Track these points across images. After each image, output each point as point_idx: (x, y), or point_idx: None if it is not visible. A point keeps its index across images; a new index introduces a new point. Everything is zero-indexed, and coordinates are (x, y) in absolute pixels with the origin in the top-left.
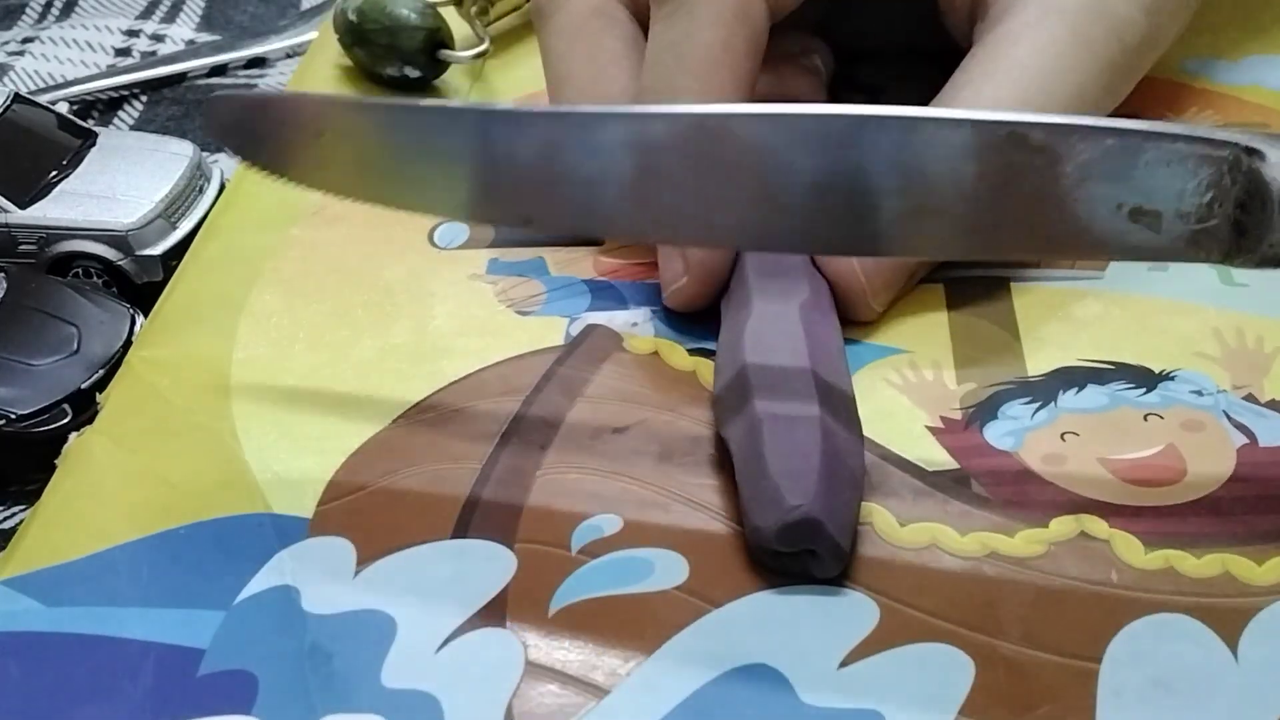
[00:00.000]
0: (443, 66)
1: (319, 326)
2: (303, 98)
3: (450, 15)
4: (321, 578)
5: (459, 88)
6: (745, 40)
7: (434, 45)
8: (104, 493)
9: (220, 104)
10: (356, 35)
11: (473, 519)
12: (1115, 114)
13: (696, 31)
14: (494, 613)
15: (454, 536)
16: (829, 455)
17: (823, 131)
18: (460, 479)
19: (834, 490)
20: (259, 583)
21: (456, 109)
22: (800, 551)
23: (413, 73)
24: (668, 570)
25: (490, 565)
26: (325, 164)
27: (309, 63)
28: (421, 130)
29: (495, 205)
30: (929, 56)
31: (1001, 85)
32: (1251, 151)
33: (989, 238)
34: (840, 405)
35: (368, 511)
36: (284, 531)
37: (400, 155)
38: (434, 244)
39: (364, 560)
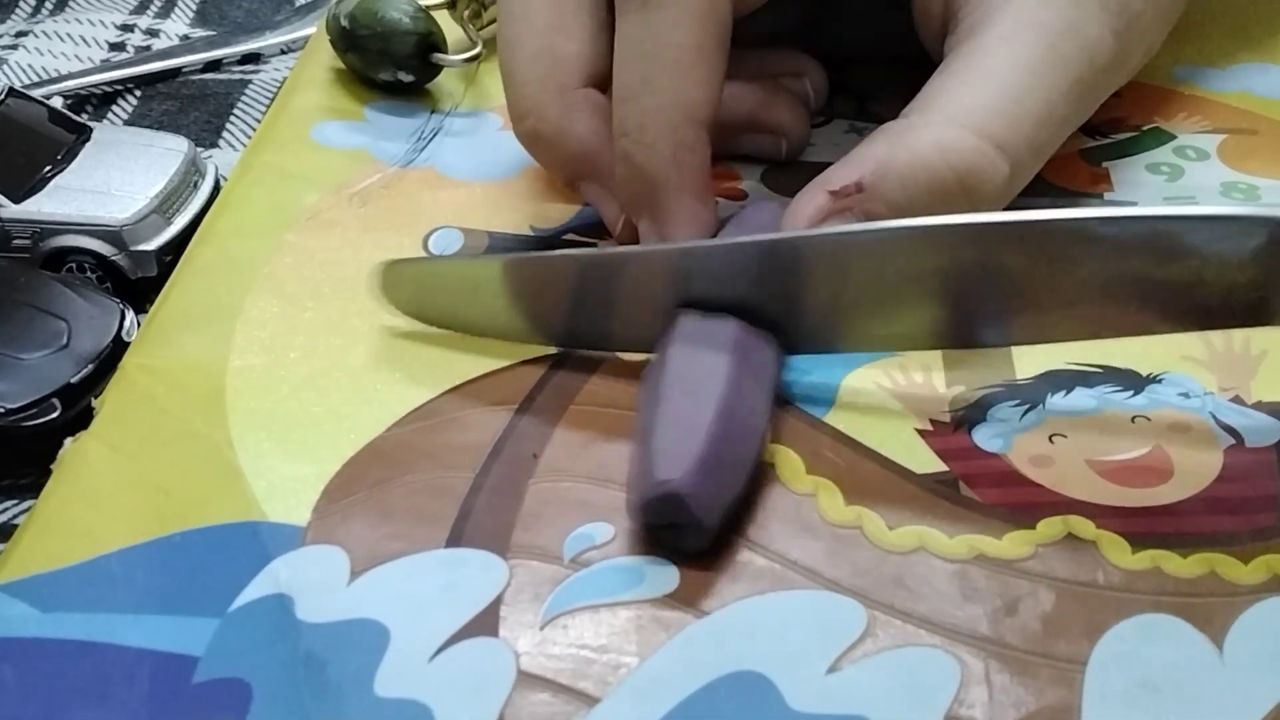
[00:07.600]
0: (436, 70)
1: (313, 334)
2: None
3: (443, 19)
4: (315, 586)
5: (452, 91)
6: (714, 38)
7: (427, 49)
8: (99, 498)
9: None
10: (349, 41)
11: (466, 528)
12: (1099, 118)
13: (666, 32)
14: (486, 622)
15: (448, 546)
16: (717, 438)
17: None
18: (454, 488)
19: (712, 470)
20: (253, 591)
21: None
22: (668, 525)
23: (406, 77)
24: (658, 578)
25: (483, 575)
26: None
27: (305, 62)
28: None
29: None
30: (918, 62)
31: (977, 95)
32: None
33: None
34: (751, 391)
35: (361, 520)
36: (278, 539)
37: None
38: (428, 250)
39: (357, 569)
